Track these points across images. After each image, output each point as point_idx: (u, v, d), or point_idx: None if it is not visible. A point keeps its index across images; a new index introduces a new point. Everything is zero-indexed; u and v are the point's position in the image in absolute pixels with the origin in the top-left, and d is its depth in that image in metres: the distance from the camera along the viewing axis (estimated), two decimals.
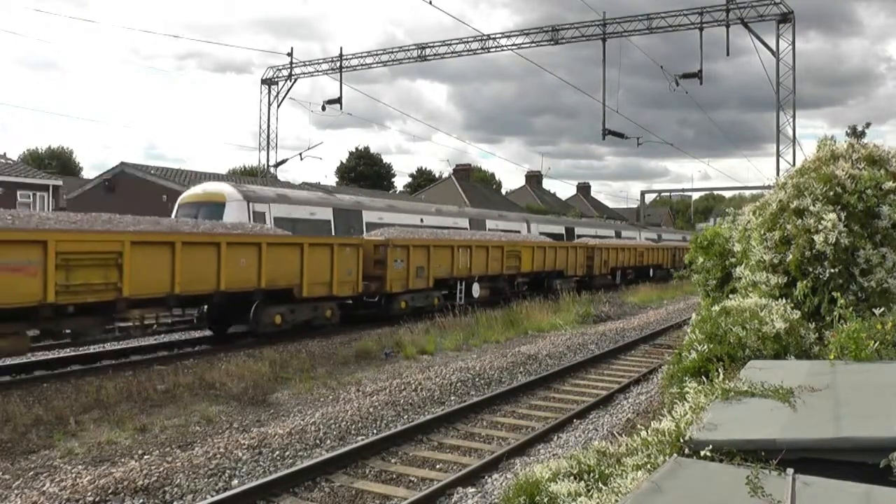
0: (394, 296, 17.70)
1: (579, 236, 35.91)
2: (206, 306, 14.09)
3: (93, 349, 13.62)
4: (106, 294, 10.82)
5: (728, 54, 32.23)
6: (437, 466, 7.56)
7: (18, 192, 29.39)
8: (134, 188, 36.11)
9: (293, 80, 31.59)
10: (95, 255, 10.64)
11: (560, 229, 35.78)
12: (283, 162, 50.33)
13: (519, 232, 31.13)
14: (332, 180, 70.63)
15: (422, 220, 25.84)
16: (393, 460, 7.73)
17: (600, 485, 3.81)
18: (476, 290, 21.54)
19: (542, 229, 33.22)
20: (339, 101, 30.43)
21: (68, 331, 11.13)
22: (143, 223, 12.62)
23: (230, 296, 13.04)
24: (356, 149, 77.17)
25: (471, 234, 24.72)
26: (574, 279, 28.29)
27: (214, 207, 18.97)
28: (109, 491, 6.20)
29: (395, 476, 7.24)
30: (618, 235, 42.39)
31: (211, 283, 12.46)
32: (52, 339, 11.65)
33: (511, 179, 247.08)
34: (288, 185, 46.50)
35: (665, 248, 40.78)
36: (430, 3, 20.78)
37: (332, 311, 15.68)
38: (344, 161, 76.29)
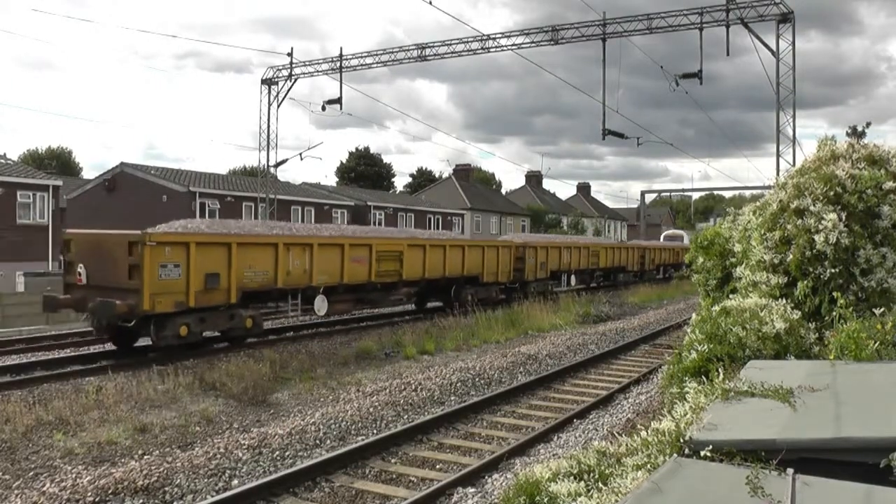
0: (527, 282, 24.17)
1: None
2: (415, 288, 19.74)
3: (93, 349, 13.61)
4: (394, 277, 17.44)
5: (728, 54, 32.05)
6: (438, 466, 7.56)
7: (18, 193, 29.33)
8: (134, 188, 36.10)
9: (293, 80, 31.44)
10: (391, 253, 17.27)
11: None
12: (283, 162, 50.39)
13: None
14: (332, 180, 70.72)
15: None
16: (393, 460, 7.73)
17: (600, 485, 3.80)
18: (573, 280, 29.02)
19: None
20: (339, 101, 30.28)
21: (366, 301, 17.21)
22: (413, 232, 22.07)
23: (448, 279, 19.82)
24: (356, 149, 77.26)
25: (576, 238, 36.50)
26: (632, 273, 36.43)
27: (679, 238, 58.88)
28: (109, 491, 6.20)
29: (395, 476, 7.24)
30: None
31: (440, 271, 19.23)
32: (360, 304, 17.40)
33: (511, 179, 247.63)
34: (289, 185, 46.54)
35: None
36: (430, 3, 20.76)
37: (496, 292, 22.38)
38: (344, 161, 76.37)
